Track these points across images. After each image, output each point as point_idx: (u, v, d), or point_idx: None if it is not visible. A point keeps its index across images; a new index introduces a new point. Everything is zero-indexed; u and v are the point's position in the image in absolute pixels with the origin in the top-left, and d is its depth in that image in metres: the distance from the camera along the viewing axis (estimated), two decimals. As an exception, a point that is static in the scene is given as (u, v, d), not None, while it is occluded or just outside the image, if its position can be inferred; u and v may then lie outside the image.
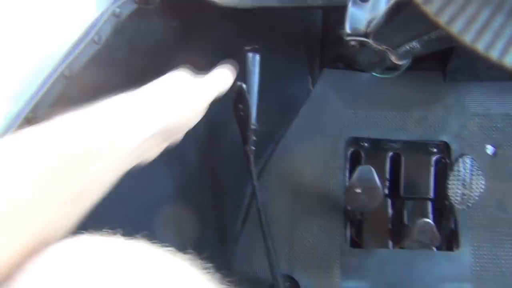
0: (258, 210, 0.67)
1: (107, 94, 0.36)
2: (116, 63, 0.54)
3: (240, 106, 0.53)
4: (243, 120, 0.56)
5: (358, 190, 0.72)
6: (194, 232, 0.64)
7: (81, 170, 0.32)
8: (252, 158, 0.63)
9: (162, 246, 0.28)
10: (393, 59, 0.54)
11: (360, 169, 0.73)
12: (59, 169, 0.31)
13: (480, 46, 0.21)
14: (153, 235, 0.29)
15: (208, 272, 0.29)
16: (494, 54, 0.21)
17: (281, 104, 0.91)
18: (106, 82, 0.52)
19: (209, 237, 0.80)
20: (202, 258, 0.28)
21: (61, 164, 0.31)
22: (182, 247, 0.28)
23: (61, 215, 0.31)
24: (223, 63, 0.47)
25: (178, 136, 0.44)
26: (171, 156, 0.45)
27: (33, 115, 0.44)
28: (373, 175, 0.72)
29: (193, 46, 0.65)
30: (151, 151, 0.42)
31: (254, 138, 0.58)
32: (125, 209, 0.54)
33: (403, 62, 0.55)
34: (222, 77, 0.46)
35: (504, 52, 0.21)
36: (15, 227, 0.28)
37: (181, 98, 0.41)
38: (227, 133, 0.76)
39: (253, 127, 0.58)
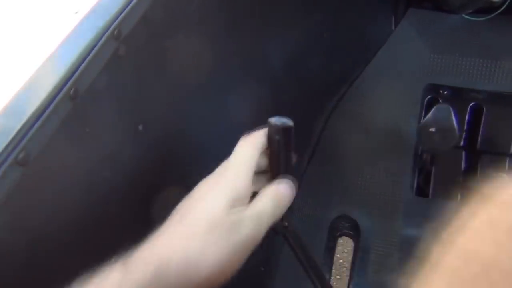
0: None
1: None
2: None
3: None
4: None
5: (432, 129, 0.69)
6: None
7: None
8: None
9: None
10: (490, -6, 0.50)
11: (437, 107, 0.70)
12: None
13: None
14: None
15: None
16: None
17: (359, 42, 0.87)
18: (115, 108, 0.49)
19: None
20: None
21: None
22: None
23: None
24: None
25: None
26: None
27: (119, 31, 0.45)
28: (451, 115, 0.69)
29: None
30: None
31: (287, 224, 0.46)
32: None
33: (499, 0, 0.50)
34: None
35: None
36: None
37: None
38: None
39: (285, 224, 0.47)
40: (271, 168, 0.47)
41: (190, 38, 0.53)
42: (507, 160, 0.83)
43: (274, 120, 0.44)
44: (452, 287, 0.31)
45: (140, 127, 0.47)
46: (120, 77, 0.45)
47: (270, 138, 0.45)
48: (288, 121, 0.45)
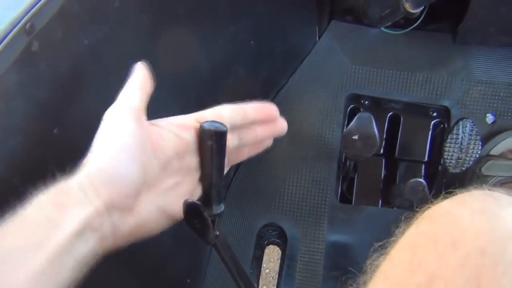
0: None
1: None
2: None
3: (195, 221, 0.43)
4: (203, 231, 0.44)
5: (355, 137, 0.72)
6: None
7: None
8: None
9: None
10: (407, 6, 0.52)
11: (359, 116, 0.72)
12: None
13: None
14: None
15: None
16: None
17: (285, 52, 0.89)
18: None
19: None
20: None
21: None
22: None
23: None
24: None
25: None
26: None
27: (31, 25, 0.42)
28: (372, 123, 0.71)
29: None
30: None
31: (218, 233, 0.44)
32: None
33: (417, 11, 0.53)
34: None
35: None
36: None
37: None
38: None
39: (217, 233, 0.45)
40: (202, 173, 0.45)
41: (110, 38, 0.50)
42: (423, 167, 0.87)
43: (207, 124, 0.43)
44: None
45: (55, 131, 0.44)
46: (33, 75, 0.41)
47: (202, 143, 0.43)
48: (221, 126, 0.43)
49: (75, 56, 0.46)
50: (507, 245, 0.29)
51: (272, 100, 0.90)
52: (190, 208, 0.40)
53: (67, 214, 0.33)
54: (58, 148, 0.44)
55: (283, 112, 0.50)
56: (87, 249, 0.34)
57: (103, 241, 0.36)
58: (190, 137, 0.42)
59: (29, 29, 0.40)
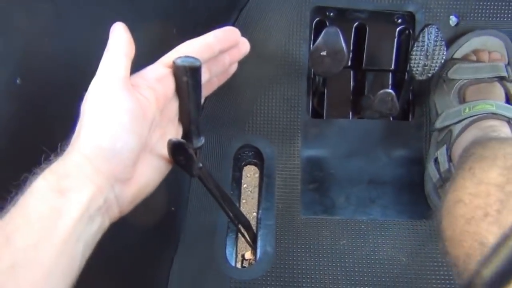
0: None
1: None
2: None
3: (181, 157, 0.43)
4: (188, 165, 0.44)
5: (323, 53, 0.71)
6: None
7: None
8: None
9: None
10: None
11: (326, 31, 0.71)
12: None
13: None
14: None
15: None
16: None
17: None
18: None
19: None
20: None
21: None
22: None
23: None
24: None
25: None
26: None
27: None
28: (339, 38, 0.71)
29: None
30: None
31: (201, 165, 0.46)
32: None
33: None
34: None
35: None
36: None
37: None
38: None
39: (200, 165, 0.47)
40: (181, 111, 0.45)
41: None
42: (390, 76, 0.88)
43: (180, 60, 0.42)
44: None
45: (18, 81, 0.42)
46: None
47: (178, 80, 0.42)
48: (195, 61, 0.42)
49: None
50: None
51: (235, 21, 0.87)
52: (174, 147, 0.41)
53: (70, 200, 0.33)
54: (23, 99, 0.43)
55: (247, 33, 0.50)
56: (95, 229, 0.35)
57: (109, 215, 0.36)
58: (166, 87, 0.42)
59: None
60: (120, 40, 0.39)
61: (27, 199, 0.32)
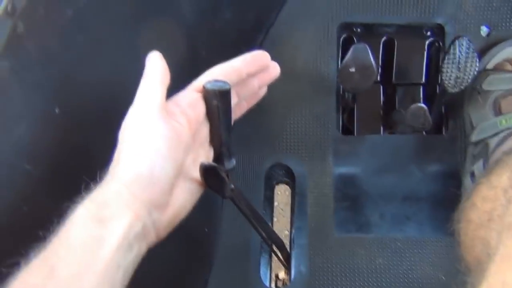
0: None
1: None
2: None
3: (213, 180, 0.43)
4: (220, 188, 0.45)
5: (352, 69, 0.71)
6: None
7: None
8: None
9: None
10: None
11: (354, 47, 0.71)
12: None
13: None
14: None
15: None
16: None
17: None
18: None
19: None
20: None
21: None
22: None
23: None
24: None
25: None
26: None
27: (12, 6, 0.40)
28: (368, 54, 0.70)
29: None
30: None
31: (233, 186, 0.46)
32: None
33: None
34: None
35: None
36: None
37: None
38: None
39: (232, 186, 0.46)
40: (212, 134, 0.45)
41: (92, 3, 0.48)
42: (421, 90, 0.87)
43: (210, 84, 0.42)
44: None
45: (57, 110, 0.43)
46: (24, 58, 0.40)
47: (208, 104, 0.43)
48: (224, 84, 0.43)
49: (61, 30, 0.44)
50: None
51: (262, 41, 0.87)
52: (206, 170, 0.41)
53: (110, 229, 0.33)
54: (62, 127, 0.44)
55: (275, 52, 0.50)
56: (134, 255, 0.35)
57: (146, 241, 0.37)
58: (198, 111, 0.42)
59: (11, 11, 0.38)
60: (156, 69, 0.40)
61: (69, 229, 0.33)
